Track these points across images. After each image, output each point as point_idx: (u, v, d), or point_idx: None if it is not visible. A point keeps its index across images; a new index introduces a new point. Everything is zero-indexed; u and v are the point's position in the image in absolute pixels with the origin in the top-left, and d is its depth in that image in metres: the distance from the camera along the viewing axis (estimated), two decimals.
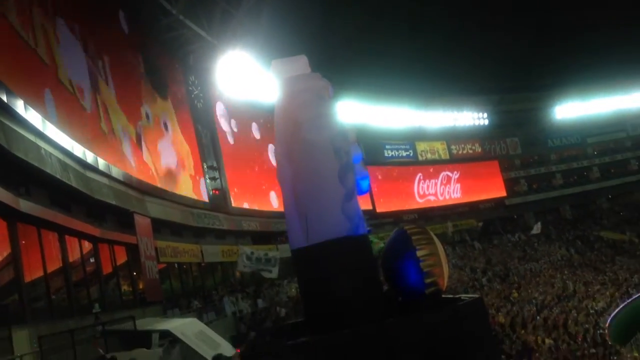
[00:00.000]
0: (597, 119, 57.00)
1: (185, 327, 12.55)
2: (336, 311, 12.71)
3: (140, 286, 19.21)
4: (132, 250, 18.55)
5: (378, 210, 43.17)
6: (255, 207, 30.49)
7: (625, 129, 58.88)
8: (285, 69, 14.15)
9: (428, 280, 13.76)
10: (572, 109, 56.62)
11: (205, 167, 26.56)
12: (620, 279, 37.92)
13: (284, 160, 14.21)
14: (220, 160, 28.14)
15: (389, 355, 10.86)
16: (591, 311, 29.95)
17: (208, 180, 26.52)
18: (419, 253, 13.98)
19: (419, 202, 48.52)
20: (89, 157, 16.40)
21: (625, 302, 32.91)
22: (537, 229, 45.57)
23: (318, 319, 13.15)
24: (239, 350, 8.48)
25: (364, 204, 14.79)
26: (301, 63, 14.78)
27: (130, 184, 19.21)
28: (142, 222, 18.58)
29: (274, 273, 22.30)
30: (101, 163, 17.17)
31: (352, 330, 11.69)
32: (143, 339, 12.39)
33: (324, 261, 13.14)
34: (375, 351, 11.31)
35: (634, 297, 34.41)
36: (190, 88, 27.33)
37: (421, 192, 48.98)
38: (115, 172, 18.12)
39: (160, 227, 21.43)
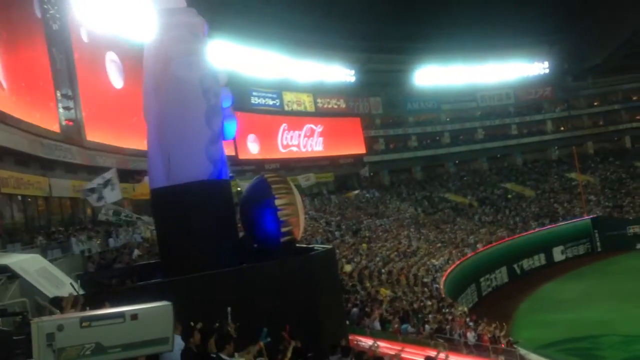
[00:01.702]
0: (452, 88, 60.81)
1: (26, 262, 11.80)
2: (191, 254, 12.65)
3: None
4: None
5: (240, 157, 43.02)
6: (114, 142, 29.05)
7: (475, 99, 63.33)
8: (160, 1, 13.39)
9: (284, 229, 14.15)
10: (431, 76, 59.79)
11: (58, 94, 24.63)
12: (458, 239, 41.36)
13: (151, 96, 13.60)
14: (76, 89, 26.23)
15: (241, 299, 11.06)
16: (430, 267, 32.49)
17: (61, 110, 24.67)
18: (277, 202, 14.26)
19: (282, 152, 49.03)
20: None
21: (459, 261, 36.19)
22: (364, 172, 51.86)
23: (172, 261, 12.99)
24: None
25: (227, 149, 14.63)
26: None
27: None
28: None
29: (113, 196, 21.14)
30: None
31: (205, 273, 11.74)
32: None
33: (184, 202, 12.97)
34: (228, 295, 11.45)
35: (467, 256, 37.84)
36: (45, 6, 24.93)
37: (284, 143, 49.45)
38: None
39: (3, 155, 19.80)
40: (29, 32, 23.17)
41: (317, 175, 50.26)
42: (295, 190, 13.98)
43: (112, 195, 21.23)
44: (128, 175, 29.24)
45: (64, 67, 25.46)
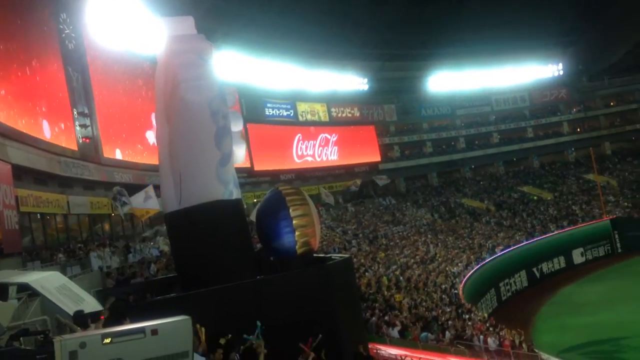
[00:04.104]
0: (466, 93, 60.65)
1: (46, 280, 11.95)
2: (208, 273, 12.70)
3: None
4: None
5: (256, 168, 43.21)
6: (129, 158, 29.39)
7: (490, 103, 63.06)
8: (170, 27, 13.67)
9: (300, 240, 14.19)
10: (445, 82, 59.65)
11: (75, 113, 24.98)
12: (476, 244, 41.11)
13: (161, 119, 13.84)
14: (93, 107, 26.57)
15: (258, 311, 11.10)
16: (449, 273, 32.32)
17: (78, 128, 25.01)
18: (292, 213, 14.32)
19: (297, 163, 49.12)
20: None
21: (478, 266, 35.96)
22: (383, 180, 51.07)
23: (190, 280, 13.04)
24: (103, 318, 8.23)
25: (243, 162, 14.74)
26: (187, 23, 14.39)
27: None
28: (1, 169, 17.28)
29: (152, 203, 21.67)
30: None
31: (222, 286, 11.80)
32: None
33: (197, 225, 13.10)
34: (245, 306, 11.51)
35: (485, 261, 37.61)
36: (61, 27, 25.36)
37: (299, 153, 49.56)
38: None
39: (22, 174, 20.08)
40: (46, 51, 23.58)
41: (334, 184, 50.33)
42: (310, 201, 14.04)
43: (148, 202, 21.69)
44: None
45: (80, 85, 25.83)
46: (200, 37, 13.72)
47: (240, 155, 13.98)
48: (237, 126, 13.80)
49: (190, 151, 12.56)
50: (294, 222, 13.10)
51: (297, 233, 13.09)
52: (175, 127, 12.71)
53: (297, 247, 13.12)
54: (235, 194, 13.28)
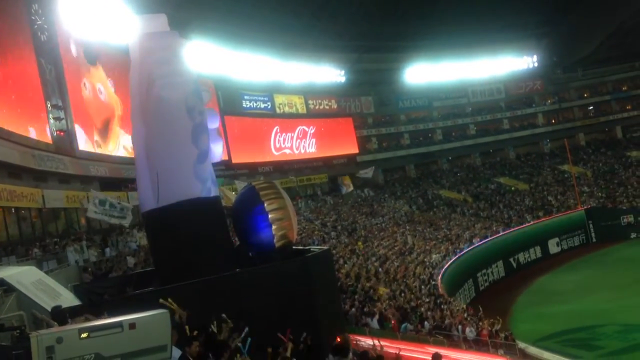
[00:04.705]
0: (443, 85, 60.98)
1: (22, 275, 11.78)
2: (189, 269, 12.59)
3: None
4: None
5: (234, 161, 42.99)
6: (106, 152, 29.06)
7: (466, 95, 63.52)
8: (144, 25, 13.52)
9: (278, 234, 14.18)
10: (422, 74, 59.89)
11: (49, 105, 24.57)
12: (454, 235, 41.47)
13: (137, 118, 13.68)
14: (67, 99, 26.17)
15: (238, 304, 11.05)
16: (427, 264, 32.56)
17: (52, 120, 24.61)
18: (267, 207, 14.31)
19: (275, 155, 49.01)
20: None
21: (456, 257, 36.24)
22: (366, 174, 49.37)
23: (169, 276, 12.89)
24: None
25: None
26: (160, 21, 14.25)
27: None
28: None
29: (127, 220, 21.81)
30: None
31: (201, 279, 11.72)
32: None
33: (175, 223, 13.01)
34: (225, 300, 11.43)
35: (463, 251, 37.98)
36: (33, 17, 24.87)
37: (277, 145, 49.43)
38: None
39: None
40: (17, 43, 23.10)
41: (310, 177, 50.33)
42: (285, 194, 14.07)
43: (123, 221, 21.79)
44: (121, 184, 29.23)
45: (53, 77, 25.39)
46: (174, 33, 13.59)
47: (217, 152, 13.89)
48: (213, 123, 13.71)
49: (167, 148, 12.43)
50: (270, 216, 13.10)
51: (274, 227, 13.10)
52: (152, 125, 12.57)
53: (275, 240, 13.11)
54: (213, 191, 13.20)
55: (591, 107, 66.07)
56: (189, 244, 12.37)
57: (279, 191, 13.89)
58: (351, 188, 47.09)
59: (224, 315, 8.47)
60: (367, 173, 51.06)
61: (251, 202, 13.38)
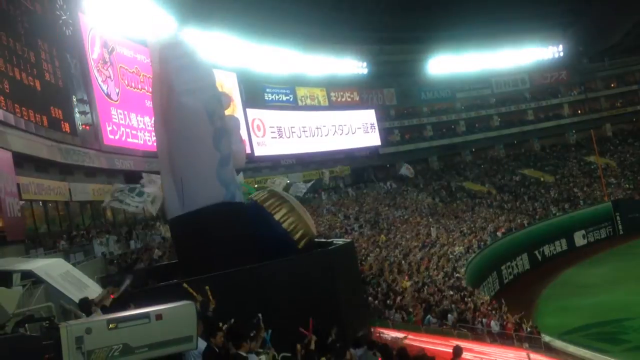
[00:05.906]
0: (466, 76, 60.32)
1: (50, 267, 11.98)
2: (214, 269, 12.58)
3: (0, 224, 17.97)
4: None
5: (257, 154, 43.13)
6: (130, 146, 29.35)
7: (490, 86, 62.76)
8: (158, 37, 13.65)
9: (297, 236, 14.29)
10: (445, 65, 59.31)
11: (75, 100, 24.90)
12: (477, 227, 41.11)
13: (160, 127, 13.83)
14: (92, 93, 26.50)
15: (262, 296, 11.12)
16: (450, 257, 32.33)
17: (78, 115, 24.94)
18: (276, 217, 14.44)
19: (297, 148, 48.90)
20: None
21: (480, 249, 35.84)
22: (406, 170, 48.12)
23: (194, 272, 12.89)
24: (113, 297, 8.37)
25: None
26: (172, 29, 14.35)
27: None
28: (1, 157, 17.26)
29: (154, 207, 21.41)
30: None
31: (225, 272, 11.81)
32: (2, 279, 11.69)
33: (201, 229, 13.12)
34: (247, 291, 11.52)
35: (487, 244, 37.48)
36: (58, 12, 25.18)
37: (299, 138, 49.35)
38: None
39: (24, 162, 20.06)
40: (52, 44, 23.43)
41: (334, 169, 50.23)
42: (287, 195, 14.28)
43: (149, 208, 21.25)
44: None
45: (78, 72, 25.71)
46: (189, 40, 13.81)
47: (241, 157, 14.04)
48: (236, 129, 13.88)
49: (190, 154, 12.56)
50: (283, 225, 13.27)
51: (290, 232, 13.29)
52: (173, 132, 12.73)
53: (297, 244, 13.32)
54: (237, 195, 13.28)
55: (618, 97, 64.81)
56: (215, 250, 12.47)
57: (280, 197, 14.06)
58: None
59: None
60: (409, 171, 49.10)
61: (259, 217, 13.54)
